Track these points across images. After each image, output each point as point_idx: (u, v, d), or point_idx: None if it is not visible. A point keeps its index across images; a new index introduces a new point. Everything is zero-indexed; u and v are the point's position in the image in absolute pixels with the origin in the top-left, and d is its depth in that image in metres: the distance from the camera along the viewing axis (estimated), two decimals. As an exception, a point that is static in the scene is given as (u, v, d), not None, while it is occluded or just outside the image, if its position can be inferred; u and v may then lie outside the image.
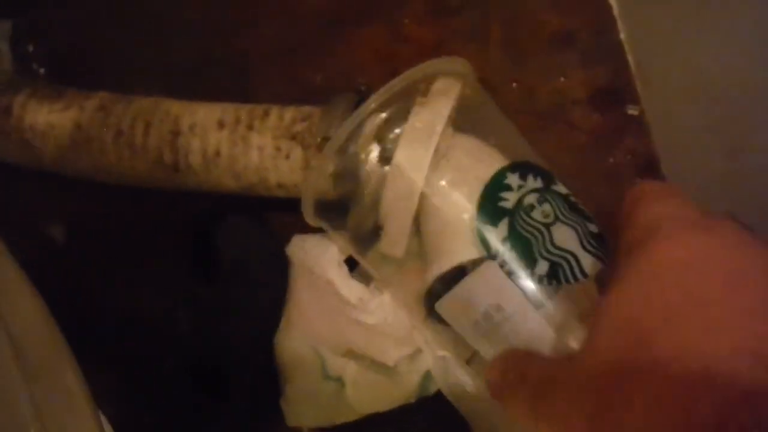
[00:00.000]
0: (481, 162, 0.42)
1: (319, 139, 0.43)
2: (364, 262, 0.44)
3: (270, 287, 0.47)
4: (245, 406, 0.44)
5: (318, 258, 0.43)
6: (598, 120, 0.54)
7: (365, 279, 0.45)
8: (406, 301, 0.44)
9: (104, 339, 0.47)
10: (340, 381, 0.42)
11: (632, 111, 0.54)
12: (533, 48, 0.55)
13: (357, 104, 0.45)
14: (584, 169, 0.53)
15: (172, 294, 0.49)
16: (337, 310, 0.42)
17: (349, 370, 0.43)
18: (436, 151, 0.42)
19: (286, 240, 0.48)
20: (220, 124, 0.46)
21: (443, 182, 0.42)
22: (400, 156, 0.41)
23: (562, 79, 0.55)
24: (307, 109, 0.46)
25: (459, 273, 0.38)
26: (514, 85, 0.54)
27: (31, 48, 0.57)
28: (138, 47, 0.56)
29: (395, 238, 0.43)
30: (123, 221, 0.52)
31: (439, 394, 0.44)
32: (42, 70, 0.56)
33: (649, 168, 0.53)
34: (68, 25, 0.57)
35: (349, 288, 0.42)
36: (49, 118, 0.48)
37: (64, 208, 0.53)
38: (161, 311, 0.49)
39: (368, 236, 0.46)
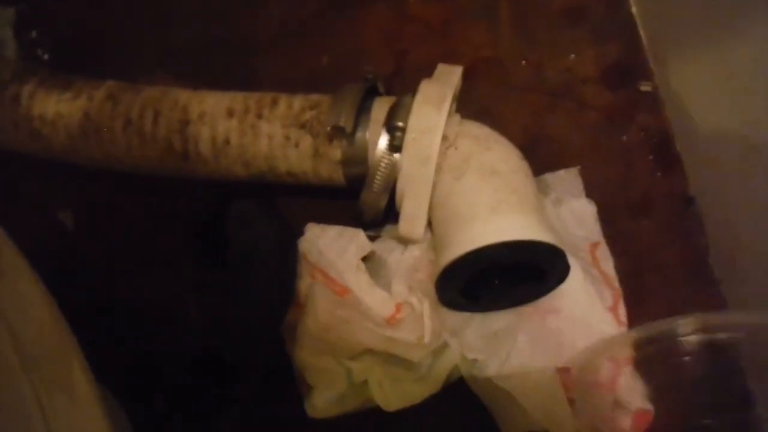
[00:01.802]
0: (490, 150, 0.42)
1: (328, 128, 0.43)
2: None
3: (279, 273, 0.47)
4: (254, 394, 0.44)
5: (335, 261, 0.43)
6: (610, 97, 0.53)
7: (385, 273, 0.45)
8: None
9: (114, 326, 0.48)
10: (365, 384, 0.43)
11: (645, 87, 0.53)
12: (543, 25, 0.54)
13: (365, 93, 0.44)
14: (596, 148, 0.52)
15: (182, 280, 0.49)
16: (357, 317, 0.42)
17: (374, 373, 0.42)
18: (444, 139, 0.42)
19: (295, 223, 0.48)
20: (229, 113, 0.46)
21: (449, 172, 0.41)
22: (415, 120, 0.41)
23: (573, 56, 0.54)
24: (315, 97, 0.46)
25: (467, 261, 0.39)
26: (524, 63, 0.54)
27: (34, 34, 0.56)
28: (141, 31, 0.55)
29: (414, 216, 0.43)
30: (132, 209, 0.52)
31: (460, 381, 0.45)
32: (46, 56, 0.56)
33: (663, 145, 0.52)
34: (71, 11, 0.56)
35: (374, 299, 0.42)
36: (58, 108, 0.48)
37: (73, 195, 0.53)
38: (171, 298, 0.49)
39: (380, 223, 0.47)
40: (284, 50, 0.54)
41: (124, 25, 0.56)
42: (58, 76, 0.49)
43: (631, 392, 0.41)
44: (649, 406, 0.42)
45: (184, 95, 0.47)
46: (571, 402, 0.42)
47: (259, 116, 0.45)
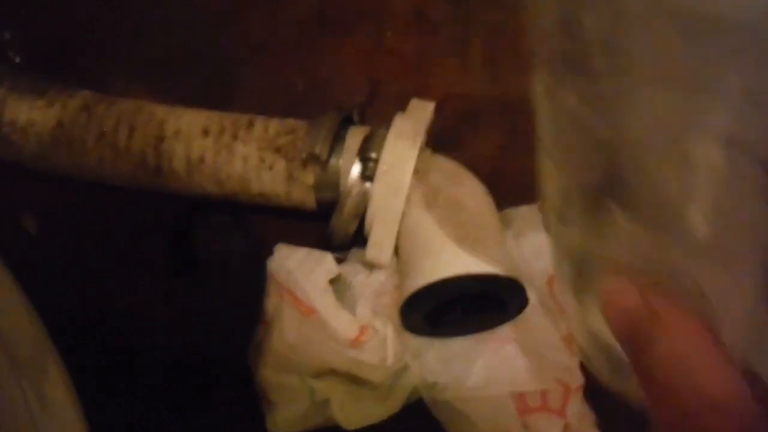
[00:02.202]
0: (457, 185, 0.44)
1: (304, 155, 0.44)
2: None
3: (248, 288, 0.48)
4: (223, 406, 0.45)
5: (302, 282, 0.44)
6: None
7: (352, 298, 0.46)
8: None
9: (80, 332, 0.48)
10: (327, 402, 0.44)
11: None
12: (513, 64, 0.56)
13: (341, 122, 0.46)
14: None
15: (151, 287, 0.50)
16: (323, 338, 0.43)
17: (336, 392, 0.44)
18: (415, 171, 0.44)
19: (264, 241, 0.49)
20: (205, 132, 0.46)
21: (418, 203, 0.43)
22: (388, 153, 0.43)
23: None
24: (291, 122, 0.47)
25: (431, 291, 0.40)
26: (492, 97, 0.56)
27: (7, 36, 0.55)
28: (119, 40, 0.55)
29: (381, 243, 0.44)
30: (102, 215, 0.52)
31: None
32: (18, 59, 0.55)
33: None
34: (48, 15, 0.56)
35: (339, 321, 0.43)
36: (31, 115, 0.48)
37: (40, 200, 0.52)
38: (140, 303, 0.49)
39: (348, 246, 0.48)
40: (262, 69, 0.55)
41: (102, 33, 0.56)
42: (30, 81, 0.49)
43: (581, 419, 0.44)
44: (597, 434, 0.45)
45: (160, 111, 0.48)
46: (525, 427, 0.44)
47: (235, 137, 0.46)
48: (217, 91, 0.55)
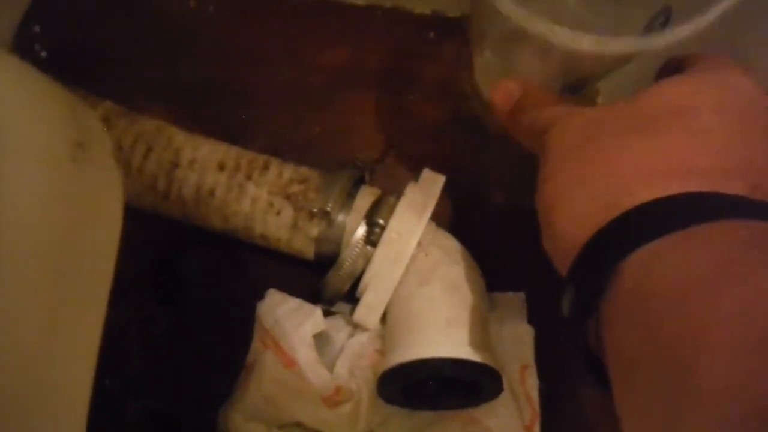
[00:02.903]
0: (456, 264, 0.46)
1: (315, 209, 0.45)
2: None
3: (233, 326, 0.48)
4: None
5: (289, 333, 0.44)
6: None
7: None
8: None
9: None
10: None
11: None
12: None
13: (356, 181, 0.47)
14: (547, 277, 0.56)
15: (128, 313, 0.49)
16: (298, 392, 0.44)
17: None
18: (418, 244, 0.45)
19: (256, 278, 0.50)
20: (220, 167, 0.47)
21: (414, 276, 0.45)
22: (395, 222, 0.45)
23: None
24: (305, 171, 0.48)
25: (414, 367, 0.42)
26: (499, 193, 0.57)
27: (37, 28, 0.56)
28: (145, 57, 0.56)
29: (373, 307, 0.45)
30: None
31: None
32: (44, 53, 0.55)
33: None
34: (81, 17, 0.56)
35: (317, 377, 0.44)
36: (48, 116, 0.48)
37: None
38: (114, 329, 0.49)
39: (336, 301, 0.49)
40: (281, 110, 0.56)
41: (128, 48, 0.56)
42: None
43: None
44: None
45: (179, 137, 0.48)
46: None
47: (249, 177, 0.47)
48: (235, 123, 0.56)
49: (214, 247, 0.52)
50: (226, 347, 0.46)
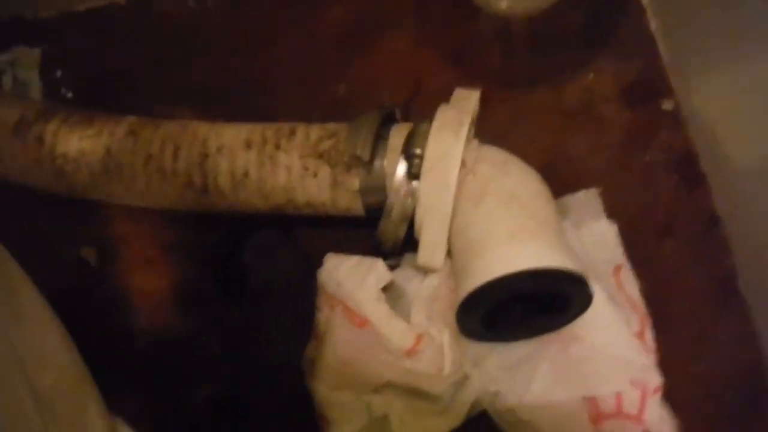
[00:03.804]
0: (508, 175, 0.42)
1: (346, 158, 0.43)
2: None
3: (297, 306, 0.46)
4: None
5: (354, 292, 0.42)
6: (631, 117, 0.52)
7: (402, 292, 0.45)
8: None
9: (134, 364, 0.49)
10: (385, 419, 0.42)
11: (667, 106, 0.52)
12: (559, 45, 0.53)
13: (383, 120, 0.44)
14: (618, 168, 0.51)
15: (202, 316, 0.49)
16: (377, 349, 0.41)
17: (394, 406, 0.42)
18: (462, 165, 0.41)
19: (314, 254, 0.48)
20: (248, 145, 0.46)
21: (467, 199, 0.41)
22: (432, 147, 0.41)
23: (592, 75, 0.53)
24: (332, 126, 0.46)
25: (487, 291, 0.38)
26: (543, 83, 0.53)
27: (59, 74, 0.58)
28: (162, 68, 0.56)
29: (433, 245, 0.42)
30: (150, 243, 0.53)
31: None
32: (70, 95, 0.57)
33: (687, 164, 0.51)
34: (94, 50, 0.58)
35: (394, 331, 0.41)
36: (81, 145, 0.49)
37: (93, 232, 0.53)
38: (191, 334, 0.49)
39: (399, 251, 0.46)
40: (302, 82, 0.54)
41: (144, 64, 0.57)
42: (80, 113, 0.50)
43: (661, 424, 0.40)
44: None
45: (203, 128, 0.48)
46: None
47: (277, 147, 0.46)
48: (260, 109, 0.54)
49: (266, 230, 0.50)
50: (289, 321, 0.44)
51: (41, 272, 0.46)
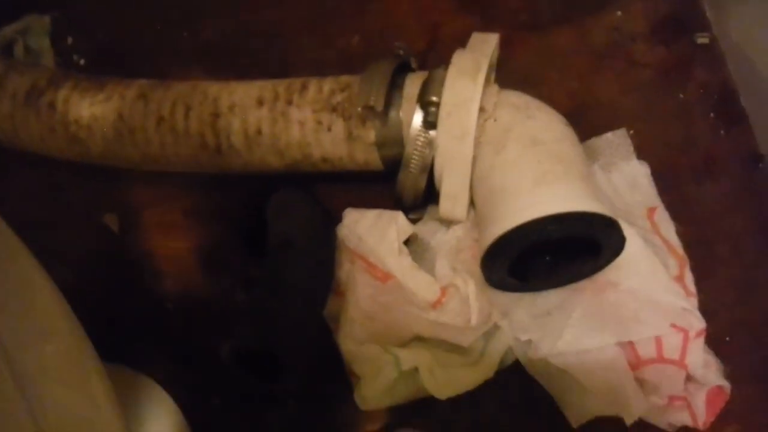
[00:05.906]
0: (531, 119, 0.39)
1: (359, 109, 0.41)
2: None
3: (317, 261, 0.45)
4: (305, 387, 0.43)
5: (375, 246, 0.41)
6: (664, 53, 0.49)
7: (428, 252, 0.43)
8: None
9: (165, 323, 0.49)
10: (415, 371, 0.40)
11: (702, 40, 0.49)
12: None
13: (397, 69, 0.42)
14: (651, 108, 0.48)
15: (229, 276, 0.49)
16: (401, 303, 0.40)
17: (423, 359, 0.40)
18: (482, 110, 0.39)
19: (334, 210, 0.47)
20: (259, 102, 0.44)
21: (488, 145, 0.39)
22: (449, 93, 0.39)
23: (619, 12, 0.50)
24: (345, 78, 0.44)
25: (512, 238, 0.36)
26: (567, 24, 0.50)
27: (70, 40, 0.57)
28: (172, 29, 0.55)
29: (455, 194, 0.40)
30: (171, 207, 0.52)
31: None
32: (83, 61, 0.56)
33: (726, 101, 0.48)
34: (104, 15, 0.56)
35: (418, 284, 0.40)
36: (92, 110, 0.48)
37: (116, 198, 0.53)
38: (219, 294, 0.49)
39: (421, 204, 0.45)
40: (315, 33, 0.53)
41: (156, 25, 0.56)
42: (90, 79, 0.49)
43: (705, 369, 0.38)
44: (725, 383, 0.39)
45: (213, 88, 0.46)
46: (640, 381, 0.39)
47: (289, 102, 0.44)
48: (275, 62, 0.53)
49: (286, 188, 0.49)
50: (311, 274, 0.43)
51: (68, 241, 0.46)
